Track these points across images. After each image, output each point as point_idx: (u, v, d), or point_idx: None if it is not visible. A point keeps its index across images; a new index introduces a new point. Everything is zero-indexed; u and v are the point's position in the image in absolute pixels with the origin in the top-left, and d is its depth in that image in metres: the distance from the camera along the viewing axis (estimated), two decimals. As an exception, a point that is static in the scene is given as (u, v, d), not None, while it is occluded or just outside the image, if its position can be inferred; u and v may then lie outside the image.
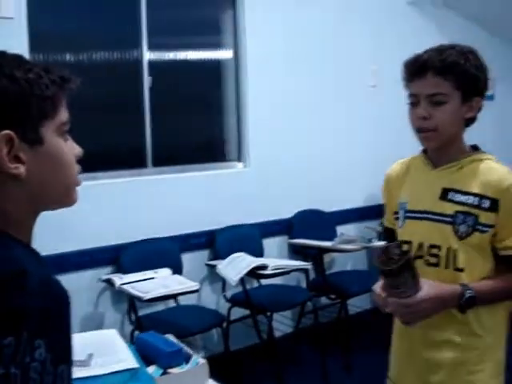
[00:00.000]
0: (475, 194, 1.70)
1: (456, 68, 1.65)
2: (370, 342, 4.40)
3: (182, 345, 1.91)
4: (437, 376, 1.77)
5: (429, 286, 1.61)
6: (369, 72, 4.99)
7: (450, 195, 1.73)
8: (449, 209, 1.72)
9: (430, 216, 1.75)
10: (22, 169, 0.92)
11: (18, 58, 0.94)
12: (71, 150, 1.01)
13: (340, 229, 4.69)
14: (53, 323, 0.86)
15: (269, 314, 3.91)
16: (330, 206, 4.75)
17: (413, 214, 1.80)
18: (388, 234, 1.98)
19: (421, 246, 1.76)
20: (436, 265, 1.73)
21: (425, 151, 1.85)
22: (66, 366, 0.88)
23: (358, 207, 4.99)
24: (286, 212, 4.56)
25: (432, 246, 1.74)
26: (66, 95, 1.00)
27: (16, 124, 0.91)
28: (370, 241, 4.30)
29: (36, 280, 0.86)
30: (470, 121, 1.74)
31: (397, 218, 1.87)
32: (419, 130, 1.73)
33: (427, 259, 1.75)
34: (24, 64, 0.93)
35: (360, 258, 4.91)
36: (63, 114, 0.98)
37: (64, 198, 1.03)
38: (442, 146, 1.74)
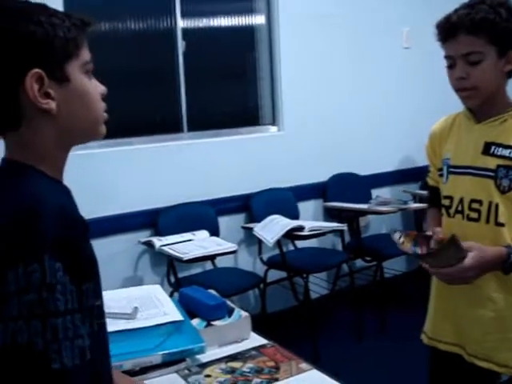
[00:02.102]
0: None
1: (487, 24, 1.62)
2: (405, 305, 4.42)
3: (224, 299, 1.94)
4: (475, 332, 1.78)
5: (474, 253, 1.59)
6: (402, 34, 4.92)
7: (493, 149, 1.71)
8: (491, 163, 1.70)
9: (472, 171, 1.74)
10: (52, 104, 1.01)
11: (42, 5, 1.03)
12: (95, 87, 1.09)
13: (375, 192, 4.68)
14: (69, 249, 0.95)
15: (305, 275, 3.93)
16: (364, 169, 4.73)
17: (455, 170, 1.80)
18: (433, 193, 1.97)
19: (461, 200, 1.76)
20: (477, 220, 1.72)
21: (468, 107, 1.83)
22: (90, 284, 0.99)
23: (393, 170, 4.96)
24: (321, 175, 4.55)
25: (473, 201, 1.73)
26: (88, 37, 1.09)
27: (44, 63, 0.99)
28: (405, 203, 4.28)
29: (53, 210, 0.95)
30: (511, 73, 1.71)
31: (441, 175, 1.87)
32: (459, 90, 1.72)
33: (468, 214, 1.74)
34: (48, 11, 1.03)
35: (395, 220, 4.89)
36: (86, 54, 1.07)
37: (92, 131, 1.11)
38: (485, 102, 1.71)
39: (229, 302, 1.94)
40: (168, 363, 1.63)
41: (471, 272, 1.59)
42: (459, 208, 1.77)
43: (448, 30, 1.68)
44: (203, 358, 1.69)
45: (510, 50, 1.66)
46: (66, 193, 1.08)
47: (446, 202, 1.82)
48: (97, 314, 1.02)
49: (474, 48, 1.64)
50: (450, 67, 1.72)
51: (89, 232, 1.03)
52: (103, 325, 1.07)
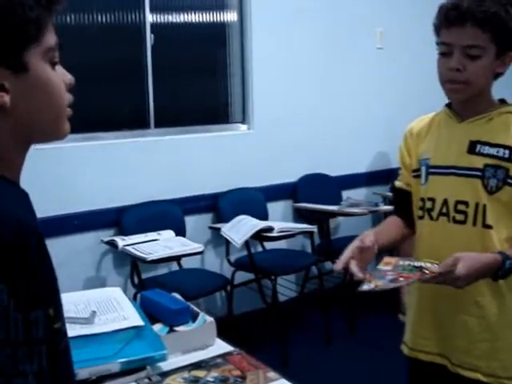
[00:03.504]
0: (505, 147, 1.61)
1: (496, 20, 1.55)
2: (373, 308, 4.37)
3: (188, 303, 1.84)
4: (460, 340, 1.70)
5: (465, 262, 1.49)
6: (375, 34, 4.87)
7: (479, 148, 1.64)
8: (477, 162, 1.64)
9: (456, 171, 1.67)
10: (6, 98, 0.84)
11: None
12: (61, 77, 0.92)
13: (346, 194, 4.61)
14: (17, 265, 0.78)
15: (273, 278, 3.85)
16: (335, 169, 4.67)
17: (437, 170, 1.72)
18: (400, 196, 1.89)
19: (445, 202, 1.68)
20: (463, 222, 1.65)
21: (449, 105, 1.76)
22: (41, 312, 0.79)
23: (364, 172, 4.92)
24: (291, 176, 4.48)
25: (459, 202, 1.66)
26: (53, 20, 0.90)
27: None
28: (376, 205, 4.22)
29: (1, 218, 0.78)
30: (498, 75, 1.66)
31: (416, 176, 1.79)
32: (448, 81, 1.63)
33: (453, 216, 1.67)
34: None
35: (366, 222, 4.83)
36: (50, 39, 0.89)
37: (54, 129, 0.94)
38: (470, 99, 1.65)
39: (193, 307, 1.84)
40: (127, 372, 1.52)
41: (463, 281, 1.51)
42: (443, 210, 1.69)
43: (455, 16, 1.58)
44: (165, 366, 1.59)
45: (507, 53, 1.61)
46: (23, 199, 0.91)
47: (427, 205, 1.73)
48: (55, 340, 0.83)
49: (478, 42, 1.57)
50: (444, 55, 1.63)
51: (44, 246, 0.84)
52: (64, 350, 0.87)
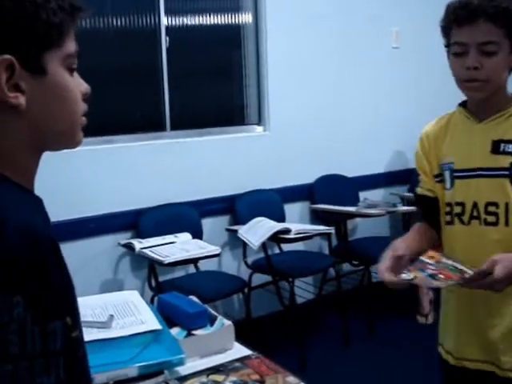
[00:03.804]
0: None
1: (508, 15, 1.53)
2: (392, 309, 4.34)
3: (206, 306, 1.82)
4: (505, 343, 1.66)
5: (503, 263, 1.46)
6: (391, 33, 4.84)
7: (503, 146, 1.61)
8: (503, 161, 1.61)
9: (482, 172, 1.64)
10: (21, 99, 0.84)
11: None
12: (77, 85, 0.92)
13: (363, 195, 4.57)
14: (33, 276, 0.76)
15: (291, 280, 3.82)
16: (352, 170, 4.64)
17: (462, 173, 1.68)
18: (424, 204, 1.84)
19: (475, 205, 1.65)
20: (495, 223, 1.62)
21: (462, 105, 1.73)
22: (59, 323, 0.78)
23: (381, 172, 4.87)
24: (308, 177, 4.45)
25: (489, 204, 1.63)
26: (76, 26, 0.90)
27: (18, 49, 0.82)
28: (394, 206, 4.18)
29: (16, 229, 0.76)
30: None
31: (439, 181, 1.75)
32: (468, 81, 1.60)
33: (485, 218, 1.64)
34: None
35: (383, 223, 4.81)
36: (70, 46, 0.89)
37: (67, 136, 0.93)
38: (488, 96, 1.62)
39: (211, 310, 1.82)
40: (145, 376, 1.50)
41: (501, 284, 1.47)
42: (474, 213, 1.65)
43: (467, 14, 1.55)
44: (183, 370, 1.57)
45: None
46: (37, 206, 0.89)
47: (456, 209, 1.69)
48: (73, 348, 0.82)
49: (493, 37, 1.54)
50: (459, 55, 1.61)
51: (60, 254, 0.82)
52: (82, 357, 0.85)
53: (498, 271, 1.44)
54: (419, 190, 1.85)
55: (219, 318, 1.78)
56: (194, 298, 1.90)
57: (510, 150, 1.60)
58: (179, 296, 1.87)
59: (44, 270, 0.77)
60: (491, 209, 1.62)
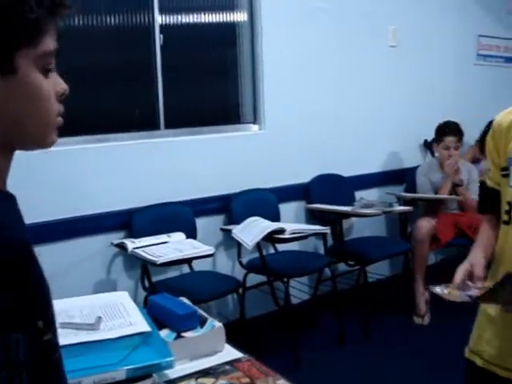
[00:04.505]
0: None
1: None
2: (388, 309, 4.32)
3: (196, 307, 1.79)
4: None
5: None
6: (388, 32, 4.81)
7: None
8: None
9: None
10: None
11: None
12: (53, 85, 0.86)
13: (359, 194, 4.55)
14: (8, 281, 0.72)
15: (286, 280, 3.79)
16: (348, 170, 4.61)
17: None
18: (489, 196, 1.73)
19: None
20: None
21: None
22: (21, 335, 0.73)
23: (377, 172, 4.85)
24: (303, 176, 4.42)
25: None
26: (57, 24, 0.84)
27: None
28: (390, 205, 4.15)
29: None
30: None
31: (505, 175, 1.62)
32: None
33: None
34: None
35: (379, 223, 4.79)
36: (48, 44, 0.83)
37: (39, 137, 0.88)
38: None
39: (201, 311, 1.79)
40: (133, 379, 1.47)
41: None
42: None
43: None
44: (172, 373, 1.53)
45: None
46: (6, 204, 0.84)
47: None
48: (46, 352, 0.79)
49: None
50: None
51: (30, 254, 0.78)
52: (56, 361, 0.82)
53: None
54: (489, 182, 1.74)
55: (209, 319, 1.74)
56: (185, 300, 1.87)
57: None
58: (169, 297, 1.84)
59: (11, 274, 0.73)
60: None
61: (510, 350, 1.61)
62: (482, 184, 1.78)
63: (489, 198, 1.74)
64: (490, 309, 1.67)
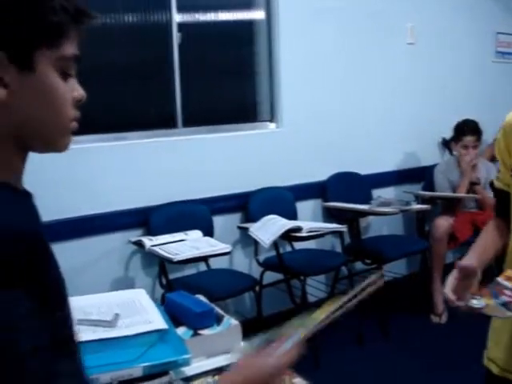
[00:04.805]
0: None
1: None
2: (406, 308, 4.30)
3: (212, 305, 1.80)
4: None
5: None
6: (406, 29, 4.78)
7: None
8: None
9: None
10: (2, 91, 0.81)
11: None
12: (70, 90, 0.89)
13: (376, 192, 4.53)
14: (25, 272, 0.76)
15: (302, 278, 3.79)
16: (365, 168, 4.59)
17: None
18: (499, 198, 1.69)
19: None
20: None
21: None
22: (61, 313, 0.79)
23: (395, 170, 4.83)
24: (320, 174, 4.41)
25: None
26: (80, 31, 0.88)
27: (8, 42, 0.80)
28: (407, 204, 4.13)
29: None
30: None
31: None
32: None
33: None
34: None
35: (397, 222, 4.77)
36: (69, 49, 0.86)
37: (53, 140, 0.90)
38: None
39: (218, 309, 1.79)
40: (149, 376, 1.48)
41: None
42: None
43: None
44: (188, 370, 1.54)
45: None
46: (21, 201, 0.87)
47: None
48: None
49: None
50: None
51: (45, 246, 0.82)
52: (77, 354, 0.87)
53: None
54: (496, 183, 1.71)
55: (226, 317, 1.75)
56: (202, 297, 1.88)
57: None
58: (186, 295, 1.85)
59: (32, 265, 0.76)
60: None
61: None
62: (491, 185, 1.75)
63: (499, 200, 1.70)
64: None
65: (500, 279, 1.43)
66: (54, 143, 0.91)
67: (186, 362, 1.51)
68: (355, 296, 1.28)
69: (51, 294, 0.79)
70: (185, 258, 3.13)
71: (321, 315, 1.29)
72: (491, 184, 1.75)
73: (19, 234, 0.78)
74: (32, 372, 0.74)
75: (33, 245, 0.79)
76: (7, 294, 0.73)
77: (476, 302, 1.37)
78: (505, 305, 1.35)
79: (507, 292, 1.38)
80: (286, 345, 1.20)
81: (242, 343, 1.40)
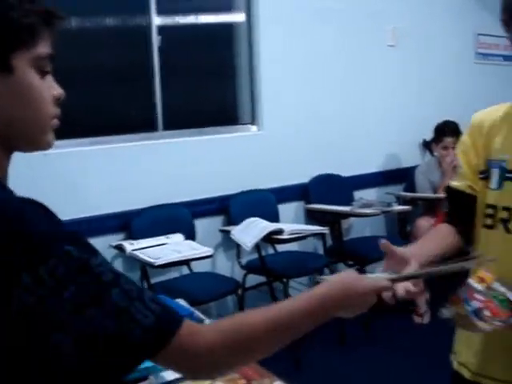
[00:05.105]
0: None
1: None
2: (388, 308, 4.30)
3: (192, 309, 1.79)
4: None
5: None
6: (387, 31, 4.80)
7: None
8: None
9: None
10: None
11: None
12: (49, 88, 0.93)
13: (358, 194, 4.55)
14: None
15: (285, 280, 3.79)
16: (347, 170, 4.61)
17: None
18: (457, 200, 1.64)
19: None
20: None
21: None
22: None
23: (376, 172, 4.85)
24: (302, 177, 4.42)
25: None
26: (53, 31, 0.93)
27: None
28: (389, 205, 4.15)
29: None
30: None
31: (483, 178, 1.56)
32: None
33: None
34: None
35: (379, 223, 4.78)
36: (43, 48, 0.91)
37: (35, 139, 0.94)
38: None
39: (198, 313, 1.79)
40: (129, 381, 1.47)
41: None
42: None
43: None
44: (168, 375, 1.54)
45: None
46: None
47: (502, 214, 1.51)
48: None
49: None
50: None
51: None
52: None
53: None
54: (455, 184, 1.65)
55: (206, 321, 1.74)
56: (182, 301, 1.87)
57: None
58: (166, 299, 1.84)
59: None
60: None
61: (497, 359, 1.56)
62: (448, 187, 1.69)
63: (455, 205, 1.66)
64: None
65: (471, 281, 1.35)
66: (36, 141, 0.94)
67: (163, 368, 1.51)
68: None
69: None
70: (166, 262, 3.13)
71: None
72: (447, 186, 1.70)
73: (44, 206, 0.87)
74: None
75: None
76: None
77: (445, 312, 1.28)
78: (476, 312, 1.27)
79: (478, 296, 1.30)
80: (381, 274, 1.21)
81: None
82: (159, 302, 0.89)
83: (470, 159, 1.61)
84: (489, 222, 1.54)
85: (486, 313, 1.27)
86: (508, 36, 1.46)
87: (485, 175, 1.56)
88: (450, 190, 1.68)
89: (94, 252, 0.86)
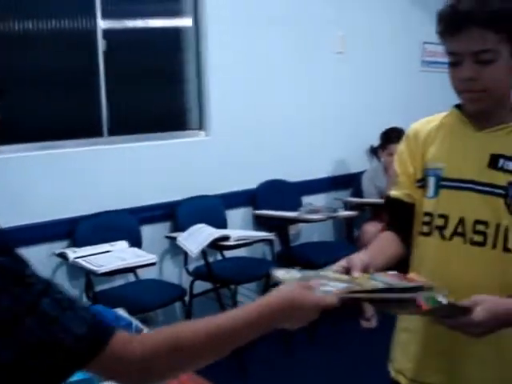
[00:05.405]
0: None
1: (505, 18, 1.38)
2: (334, 314, 4.32)
3: (132, 319, 1.76)
4: (473, 372, 1.52)
5: (485, 306, 1.27)
6: (335, 38, 4.84)
7: (502, 163, 1.47)
8: (500, 179, 1.47)
9: (475, 186, 1.49)
10: None
11: None
12: None
13: (306, 199, 4.57)
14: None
15: (233, 286, 3.78)
16: (295, 175, 4.62)
17: (451, 183, 1.53)
18: (395, 208, 1.67)
19: (462, 221, 1.50)
20: (482, 244, 1.48)
21: (458, 107, 1.59)
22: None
23: (324, 177, 4.87)
24: (250, 182, 4.41)
25: (478, 222, 1.48)
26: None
27: None
28: (335, 211, 4.18)
29: None
30: None
31: (420, 187, 1.60)
32: (464, 92, 1.48)
33: (471, 237, 1.49)
34: None
35: (326, 228, 4.82)
36: None
37: None
38: (489, 107, 1.48)
39: (137, 322, 1.76)
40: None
41: (480, 328, 1.28)
42: (459, 230, 1.51)
43: (456, 22, 1.41)
44: (104, 387, 1.51)
45: None
46: None
47: (437, 222, 1.54)
48: None
49: (487, 45, 1.40)
50: (454, 65, 1.47)
51: None
52: None
53: (477, 314, 1.26)
54: (393, 193, 1.68)
55: (145, 330, 1.72)
56: (121, 311, 1.84)
57: (509, 168, 1.47)
58: (104, 310, 1.80)
59: None
60: (480, 227, 1.48)
61: (432, 364, 1.58)
62: (387, 196, 1.72)
63: (394, 213, 1.70)
64: (408, 322, 1.64)
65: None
66: None
67: (101, 380, 1.48)
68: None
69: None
70: (109, 270, 3.08)
71: (361, 280, 1.31)
72: (386, 196, 1.73)
73: None
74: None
75: None
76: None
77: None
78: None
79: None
80: (329, 287, 1.22)
81: (279, 271, 1.39)
82: (91, 312, 0.91)
83: (408, 168, 1.64)
84: (425, 229, 1.58)
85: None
86: (444, 47, 1.50)
87: (422, 184, 1.60)
88: (389, 200, 1.70)
89: (25, 263, 0.89)
